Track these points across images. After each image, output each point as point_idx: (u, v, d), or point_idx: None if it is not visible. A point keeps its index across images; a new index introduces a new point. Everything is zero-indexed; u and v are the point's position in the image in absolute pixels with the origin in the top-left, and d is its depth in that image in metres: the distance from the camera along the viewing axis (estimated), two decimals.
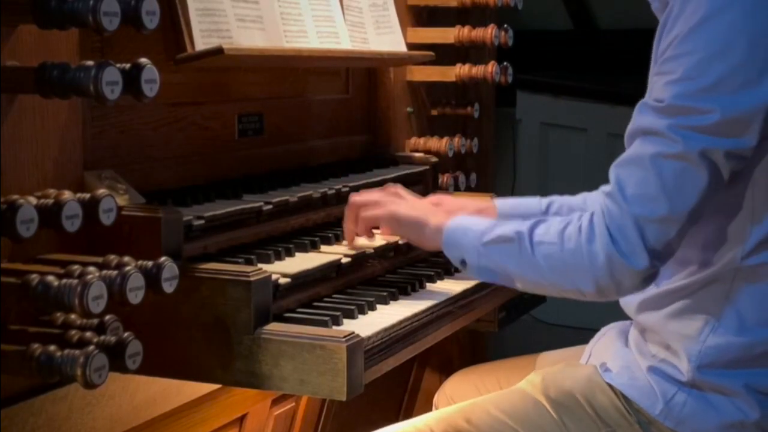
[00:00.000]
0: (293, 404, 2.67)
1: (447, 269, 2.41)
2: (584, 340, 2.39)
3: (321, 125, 2.81)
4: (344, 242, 2.30)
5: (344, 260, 2.17)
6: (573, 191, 2.52)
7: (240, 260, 2.02)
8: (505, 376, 2.46)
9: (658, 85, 1.92)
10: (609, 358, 2.16)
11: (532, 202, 2.48)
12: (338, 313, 1.97)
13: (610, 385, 2.09)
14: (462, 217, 2.18)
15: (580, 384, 2.12)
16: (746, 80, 1.85)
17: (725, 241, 2.00)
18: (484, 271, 2.11)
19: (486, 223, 2.12)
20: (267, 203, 2.23)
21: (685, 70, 1.88)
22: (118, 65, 1.66)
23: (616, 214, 1.92)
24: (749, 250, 1.98)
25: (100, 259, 1.74)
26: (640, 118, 1.95)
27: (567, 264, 1.97)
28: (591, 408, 2.09)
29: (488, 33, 3.04)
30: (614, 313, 2.27)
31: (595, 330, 2.36)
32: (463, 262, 2.13)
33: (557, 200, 2.48)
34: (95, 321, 1.72)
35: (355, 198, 2.30)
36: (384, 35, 2.86)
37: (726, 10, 1.86)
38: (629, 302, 2.17)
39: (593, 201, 2.43)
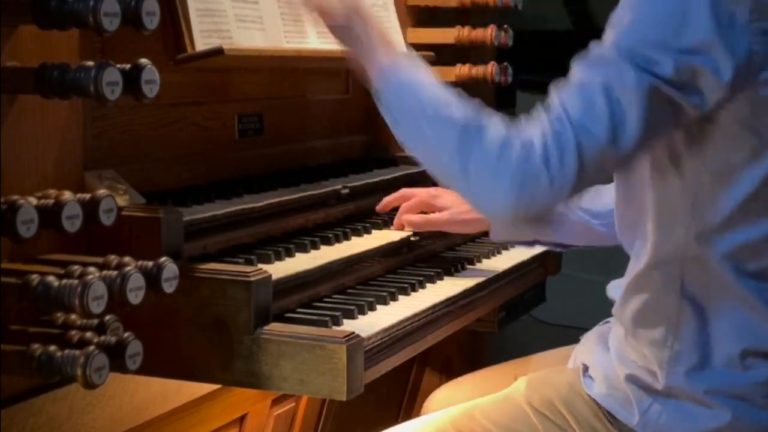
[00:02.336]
0: (293, 404, 2.67)
1: (447, 269, 2.41)
2: None
3: (321, 125, 2.81)
4: (343, 243, 2.31)
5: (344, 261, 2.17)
6: None
7: (240, 260, 2.02)
8: (497, 384, 2.44)
9: (608, 35, 1.87)
10: (591, 363, 2.14)
11: None
12: (338, 313, 1.97)
13: (591, 396, 2.09)
14: (411, 67, 2.03)
15: (561, 392, 2.11)
16: (703, 40, 1.80)
17: (671, 223, 1.96)
18: (407, 136, 1.99)
19: (435, 92, 1.98)
20: (267, 203, 2.23)
21: (636, 19, 1.83)
22: (118, 66, 1.66)
23: (558, 134, 1.82)
24: (696, 235, 1.94)
25: (100, 260, 1.74)
26: (590, 51, 1.88)
27: (492, 171, 1.85)
28: (572, 417, 2.08)
29: (488, 33, 3.04)
30: None
31: None
32: (381, 96, 2.01)
33: None
34: (95, 321, 1.72)
35: None
36: None
37: None
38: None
39: (590, 197, 2.40)
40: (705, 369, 1.98)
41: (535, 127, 1.86)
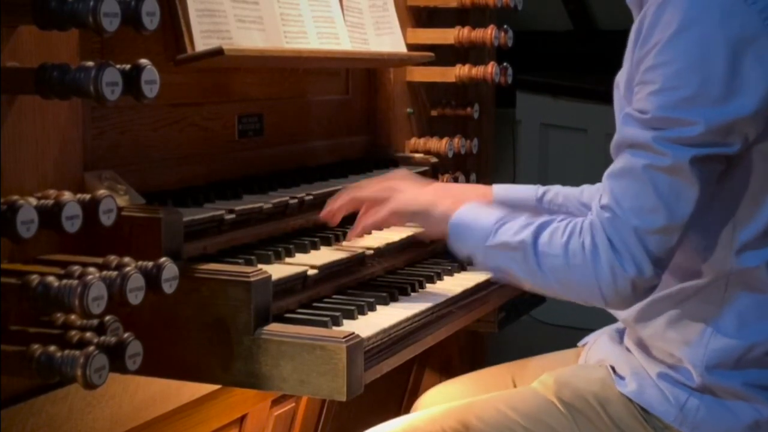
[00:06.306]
0: (293, 404, 2.67)
1: (447, 270, 2.41)
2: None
3: (321, 126, 2.81)
4: (344, 242, 2.30)
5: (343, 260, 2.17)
6: None
7: (240, 261, 2.02)
8: (485, 388, 2.44)
9: (641, 96, 1.92)
10: (615, 362, 2.15)
11: (528, 192, 2.47)
12: (338, 314, 1.97)
13: (623, 393, 2.09)
14: (465, 210, 2.13)
15: (593, 388, 2.12)
16: (728, 90, 1.85)
17: (712, 245, 2.00)
18: (491, 270, 2.11)
19: (489, 221, 2.07)
20: (267, 204, 2.23)
21: (665, 80, 1.88)
22: (118, 66, 1.66)
23: (617, 228, 1.91)
24: (737, 252, 1.98)
25: (100, 260, 1.74)
26: (625, 129, 1.94)
27: (573, 279, 1.96)
28: (606, 414, 2.09)
29: (488, 34, 3.04)
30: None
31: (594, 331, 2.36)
32: (470, 258, 2.12)
33: (553, 189, 2.47)
34: (95, 321, 1.72)
35: (355, 195, 2.27)
36: (384, 36, 2.87)
37: (700, 21, 1.86)
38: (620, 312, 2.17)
39: (590, 196, 2.42)
40: (742, 365, 2.01)
41: (594, 223, 1.94)
